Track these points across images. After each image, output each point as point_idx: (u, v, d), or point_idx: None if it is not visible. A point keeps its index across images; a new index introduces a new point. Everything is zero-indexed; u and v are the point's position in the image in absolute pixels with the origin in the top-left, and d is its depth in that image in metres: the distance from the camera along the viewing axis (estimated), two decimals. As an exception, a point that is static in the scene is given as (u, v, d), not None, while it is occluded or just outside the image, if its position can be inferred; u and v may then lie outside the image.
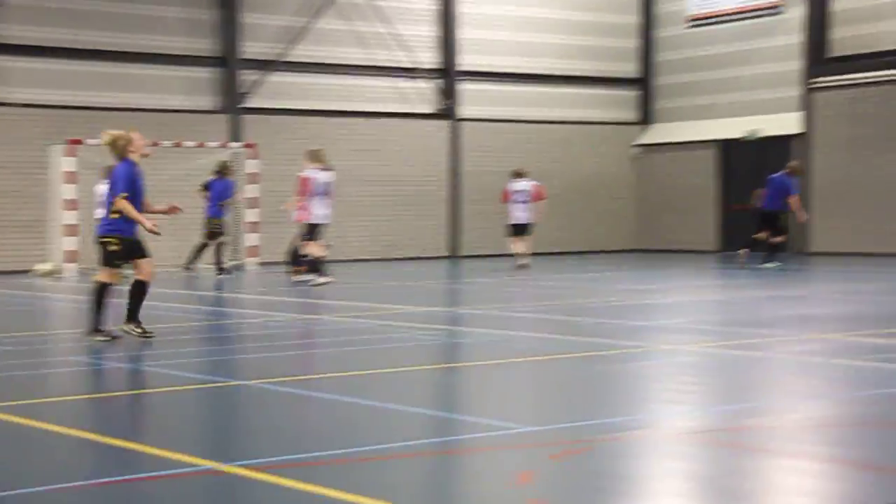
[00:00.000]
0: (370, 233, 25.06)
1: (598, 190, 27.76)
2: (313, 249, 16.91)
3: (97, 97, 22.20)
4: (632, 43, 28.33)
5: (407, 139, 25.50)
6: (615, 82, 28.19)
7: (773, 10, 25.88)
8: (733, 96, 26.67)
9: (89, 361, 9.09)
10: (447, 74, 25.98)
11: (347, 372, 8.35)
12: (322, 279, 16.65)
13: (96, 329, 10.01)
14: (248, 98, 23.83)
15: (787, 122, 25.38)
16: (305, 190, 16.89)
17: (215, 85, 23.65)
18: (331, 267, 17.58)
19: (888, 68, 23.67)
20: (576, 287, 16.83)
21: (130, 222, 9.97)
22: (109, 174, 10.36)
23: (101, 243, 10.11)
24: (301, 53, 24.40)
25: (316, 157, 17.21)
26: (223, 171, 19.60)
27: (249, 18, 23.86)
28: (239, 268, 21.29)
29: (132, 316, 10.07)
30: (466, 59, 26.11)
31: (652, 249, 27.66)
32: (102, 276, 10.13)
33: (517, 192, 21.27)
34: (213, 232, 19.34)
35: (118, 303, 10.49)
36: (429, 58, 25.85)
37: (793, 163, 20.74)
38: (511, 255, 21.28)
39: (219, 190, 19.37)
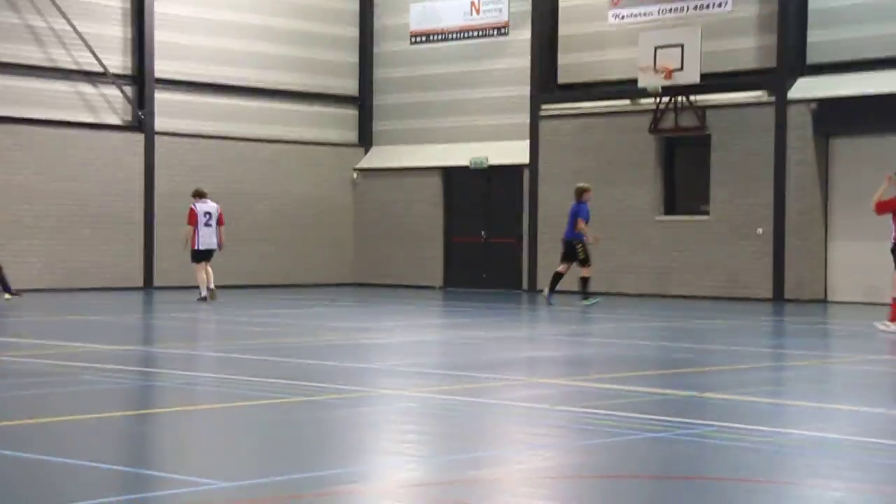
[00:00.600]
0: (48, 259, 24.04)
1: (314, 217, 27.86)
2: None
3: None
4: (350, 57, 28.68)
5: (93, 153, 24.69)
6: (332, 99, 28.46)
7: (499, 30, 26.85)
8: (459, 120, 27.46)
9: None
10: (140, 81, 25.38)
11: (15, 420, 7.97)
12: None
13: None
14: None
15: (516, 151, 26.36)
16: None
17: None
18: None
19: (614, 98, 25.07)
20: (285, 324, 16.78)
21: None
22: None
23: None
24: (-35, 48, 23.29)
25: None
26: None
27: None
28: None
29: None
30: (162, 66, 25.57)
31: (372, 283, 28.01)
32: None
33: (205, 213, 21.00)
34: None
35: None
36: (119, 62, 25.18)
37: (580, 185, 21.28)
38: (195, 287, 21.02)
39: None
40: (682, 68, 23.45)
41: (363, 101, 28.85)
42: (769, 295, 23.00)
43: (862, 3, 22.68)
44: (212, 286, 20.80)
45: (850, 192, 22.66)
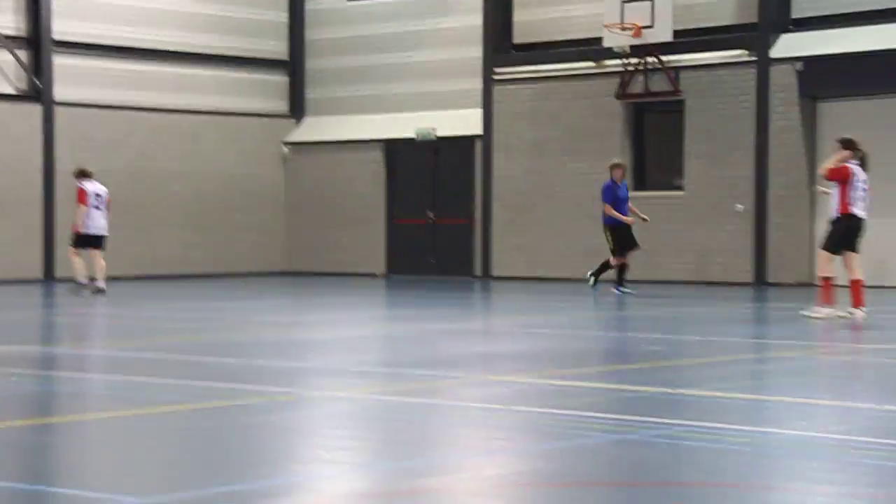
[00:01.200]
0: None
1: (239, 197, 27.78)
2: None
3: None
4: (278, 16, 28.59)
5: (-19, 126, 24.50)
6: (258, 64, 28.36)
7: (448, -17, 26.89)
8: (402, 87, 27.45)
9: None
10: (36, 44, 25.14)
11: None
12: None
13: None
14: None
15: (467, 120, 26.39)
16: None
17: None
18: None
19: (576, 60, 25.12)
20: (207, 318, 16.75)
21: None
22: None
23: None
24: None
25: None
26: None
27: None
28: None
29: None
30: (61, 26, 25.34)
31: (307, 272, 27.99)
32: None
33: (96, 194, 20.91)
34: None
35: None
36: (9, 22, 24.93)
37: (615, 161, 21.01)
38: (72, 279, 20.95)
39: None
40: (652, 25, 23.58)
41: (294, 66, 28.79)
42: (750, 278, 23.23)
43: (852, -51, 22.87)
44: (102, 284, 20.55)
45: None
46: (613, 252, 20.37)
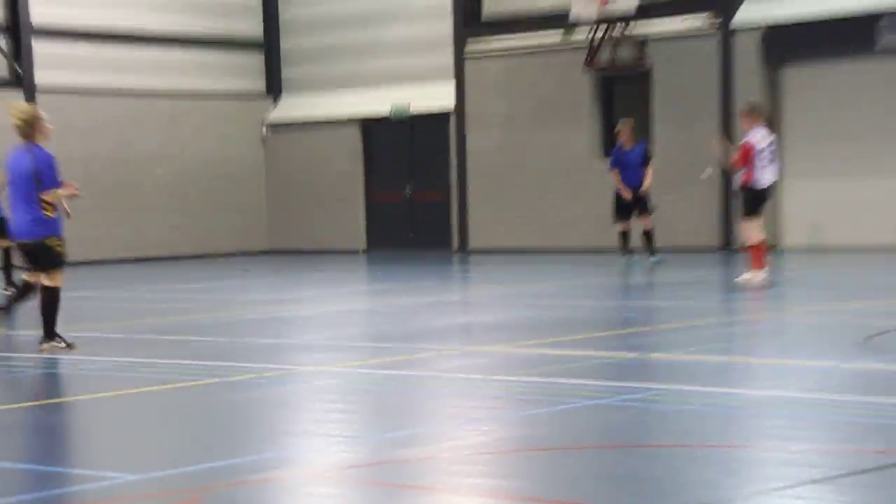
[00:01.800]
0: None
1: (220, 178, 27.74)
2: None
3: None
4: (252, -3, 28.47)
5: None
6: (234, 44, 28.26)
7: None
8: (376, 63, 27.38)
9: None
10: (14, 31, 25.02)
11: None
12: None
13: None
14: None
15: (441, 94, 26.35)
16: None
17: None
18: None
19: (546, 28, 24.97)
20: (193, 299, 16.79)
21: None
22: (15, 160, 10.79)
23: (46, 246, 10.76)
24: None
25: None
26: None
27: None
28: None
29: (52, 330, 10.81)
30: (40, 13, 25.20)
31: (289, 250, 27.97)
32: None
33: None
34: None
35: None
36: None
37: (619, 124, 19.77)
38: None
39: None
40: (617, -3, 23.56)
41: (269, 45, 28.70)
42: (717, 243, 23.31)
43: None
44: None
45: (804, 127, 23.01)
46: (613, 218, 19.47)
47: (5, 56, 25.00)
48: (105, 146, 25.60)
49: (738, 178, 15.83)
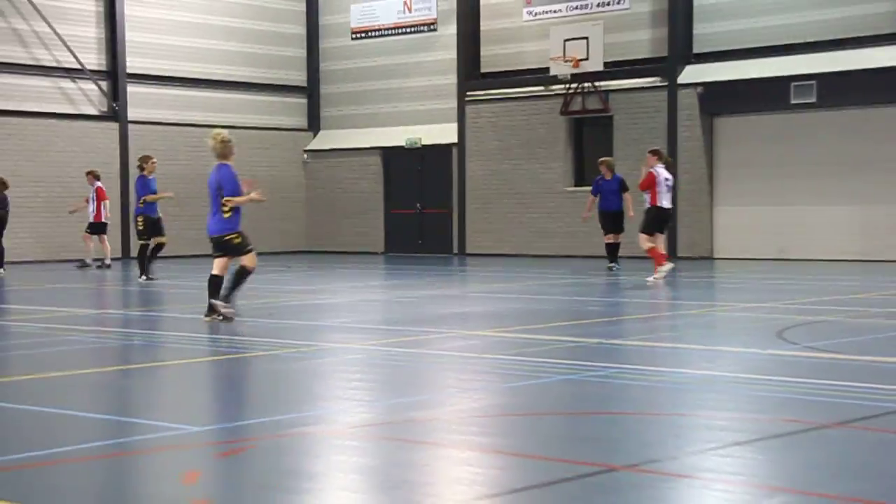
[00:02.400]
0: (37, 234, 23.79)
1: (270, 193, 27.35)
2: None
3: None
4: (299, 52, 28.48)
5: (73, 141, 24.37)
6: (284, 89, 28.25)
7: (429, 27, 26.83)
8: (395, 106, 27.40)
9: None
10: (113, 76, 25.03)
11: (15, 376, 7.88)
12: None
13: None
14: None
15: (446, 132, 26.39)
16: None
17: None
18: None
19: (530, 85, 25.15)
20: (244, 287, 16.66)
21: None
22: (211, 176, 11.60)
23: (226, 239, 11.61)
24: (-43, 50, 22.80)
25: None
26: None
27: None
28: None
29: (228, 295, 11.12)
30: (133, 62, 25.25)
31: (322, 251, 27.95)
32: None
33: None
34: None
35: None
36: (94, 59, 24.82)
37: (601, 159, 19.47)
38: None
39: None
40: (587, 58, 23.56)
41: (311, 91, 28.68)
42: (665, 253, 23.18)
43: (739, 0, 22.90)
44: (109, 261, 21.64)
45: (732, 164, 22.99)
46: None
47: (105, 95, 24.97)
48: (179, 167, 25.56)
49: (647, 200, 16.23)
